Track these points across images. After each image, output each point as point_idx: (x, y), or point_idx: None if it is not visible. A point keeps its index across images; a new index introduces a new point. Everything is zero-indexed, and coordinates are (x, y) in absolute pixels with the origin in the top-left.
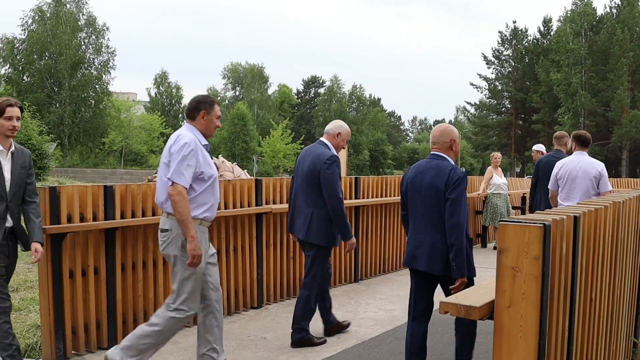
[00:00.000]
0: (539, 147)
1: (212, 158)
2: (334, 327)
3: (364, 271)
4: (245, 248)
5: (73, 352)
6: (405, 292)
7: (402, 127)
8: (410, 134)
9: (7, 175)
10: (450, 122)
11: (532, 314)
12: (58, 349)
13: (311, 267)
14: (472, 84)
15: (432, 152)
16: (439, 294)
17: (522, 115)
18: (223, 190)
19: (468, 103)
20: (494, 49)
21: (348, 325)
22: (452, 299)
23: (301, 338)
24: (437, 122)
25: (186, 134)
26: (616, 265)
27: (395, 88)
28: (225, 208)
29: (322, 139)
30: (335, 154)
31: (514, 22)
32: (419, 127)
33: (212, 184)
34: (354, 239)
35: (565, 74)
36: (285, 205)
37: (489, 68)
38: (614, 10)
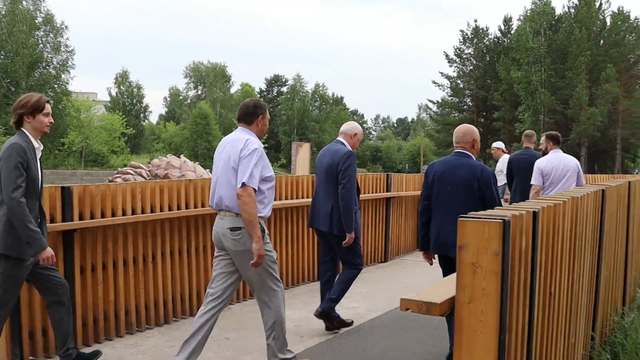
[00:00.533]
0: (499, 144)
1: (179, 157)
2: (339, 323)
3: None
4: (208, 248)
5: (30, 357)
6: (368, 289)
7: (365, 125)
8: (373, 132)
9: (39, 173)
10: (412, 120)
11: (492, 310)
12: (14, 354)
13: (349, 255)
14: (434, 82)
15: (457, 150)
16: (401, 292)
17: (484, 113)
18: (184, 190)
19: (430, 101)
20: (455, 47)
21: (351, 323)
22: (414, 295)
23: (330, 309)
24: (400, 120)
25: (253, 139)
26: (575, 259)
27: (358, 86)
28: (187, 208)
29: (339, 138)
30: (352, 150)
31: (475, 21)
32: (382, 125)
33: (274, 184)
34: (353, 234)
35: (525, 72)
36: None
37: (450, 66)
38: (572, 10)
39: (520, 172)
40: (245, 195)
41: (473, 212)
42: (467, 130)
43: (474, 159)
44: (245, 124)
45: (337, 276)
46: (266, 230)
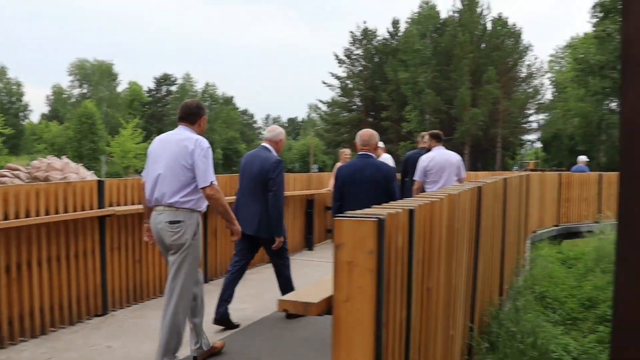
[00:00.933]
0: (379, 144)
1: (61, 158)
2: (225, 321)
3: (214, 271)
4: (88, 253)
5: None
6: (257, 290)
7: (255, 125)
8: (263, 132)
9: None
10: (303, 120)
11: (368, 307)
12: None
13: (279, 255)
14: (324, 83)
15: (363, 152)
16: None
17: (372, 113)
18: (63, 192)
19: (320, 101)
20: (345, 48)
21: (238, 325)
22: (291, 295)
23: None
24: (290, 119)
25: (202, 138)
26: (452, 254)
27: (248, 86)
28: (65, 211)
29: (265, 144)
30: (279, 157)
31: (365, 22)
32: (272, 125)
33: None
34: (282, 238)
35: (412, 73)
36: (130, 207)
37: (340, 67)
38: (456, 15)
39: (413, 169)
40: (215, 192)
41: (349, 212)
42: (372, 134)
43: (375, 158)
44: (188, 124)
45: (278, 283)
46: (200, 224)
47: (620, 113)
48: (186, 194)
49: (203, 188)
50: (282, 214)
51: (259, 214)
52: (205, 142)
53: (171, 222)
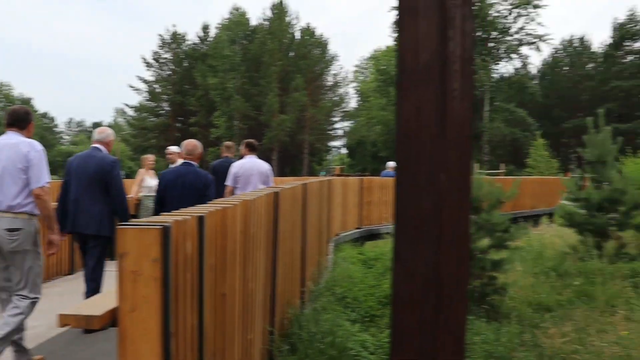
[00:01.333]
0: (174, 148)
1: None
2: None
3: None
4: None
5: None
6: (50, 305)
7: (56, 129)
8: (66, 137)
9: None
10: (109, 124)
11: (154, 317)
12: None
13: (99, 258)
14: (131, 86)
15: (186, 161)
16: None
17: (181, 118)
18: None
19: (127, 105)
20: (154, 51)
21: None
22: (73, 309)
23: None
24: (95, 124)
25: (34, 141)
26: (248, 259)
27: (49, 88)
28: None
29: (96, 145)
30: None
31: (174, 26)
32: (76, 130)
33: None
34: None
35: (221, 78)
36: None
37: (148, 71)
38: (266, 22)
39: (219, 177)
40: (45, 194)
41: (134, 220)
42: (196, 145)
43: (198, 167)
44: (17, 129)
45: (88, 288)
46: (39, 232)
47: (396, 123)
48: (25, 196)
49: (34, 188)
50: (127, 209)
51: (99, 214)
52: (38, 145)
53: (9, 230)
